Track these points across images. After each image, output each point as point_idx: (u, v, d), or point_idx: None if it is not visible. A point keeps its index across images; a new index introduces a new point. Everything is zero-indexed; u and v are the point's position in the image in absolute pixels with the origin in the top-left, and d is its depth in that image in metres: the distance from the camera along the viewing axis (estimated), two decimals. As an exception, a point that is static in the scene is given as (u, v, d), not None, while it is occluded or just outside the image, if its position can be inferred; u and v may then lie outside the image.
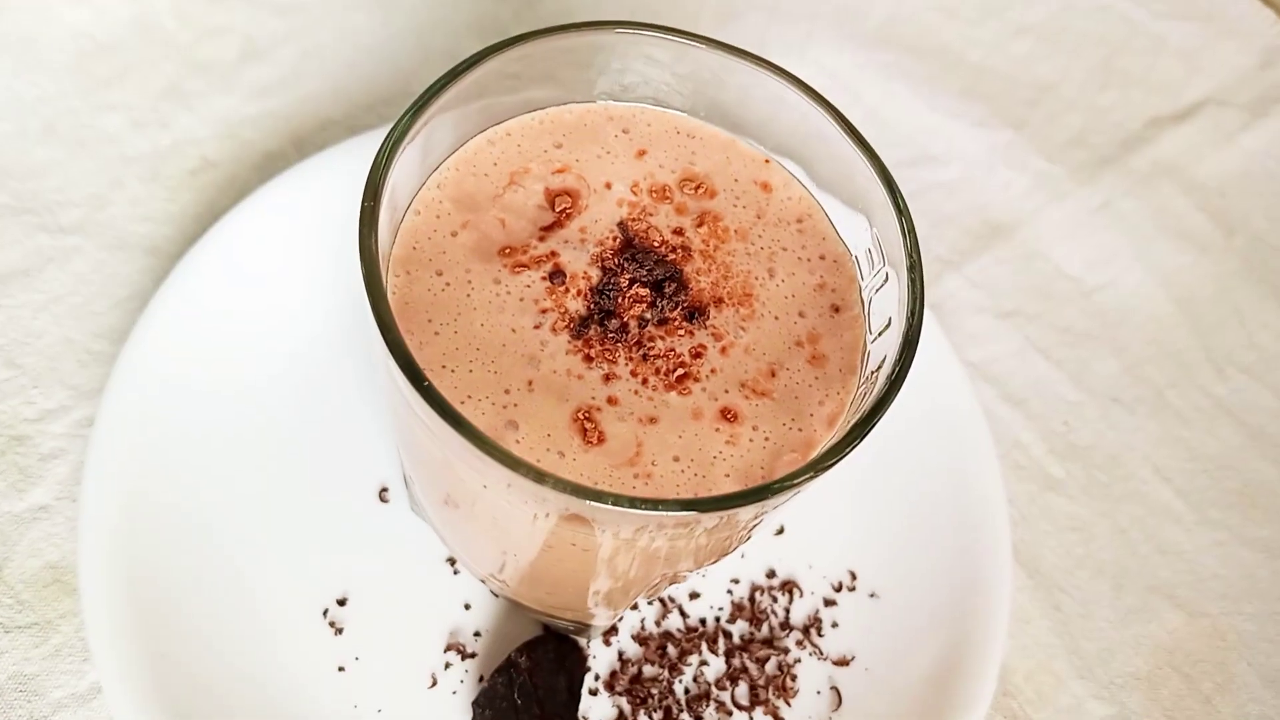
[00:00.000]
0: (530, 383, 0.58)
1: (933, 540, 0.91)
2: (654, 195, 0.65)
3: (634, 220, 0.64)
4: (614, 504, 0.48)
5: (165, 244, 0.96)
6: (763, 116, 0.66)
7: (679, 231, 0.64)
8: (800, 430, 0.59)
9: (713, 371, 0.60)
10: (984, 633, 0.84)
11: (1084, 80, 1.27)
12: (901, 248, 0.59)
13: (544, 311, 0.60)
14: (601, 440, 0.57)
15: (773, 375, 0.60)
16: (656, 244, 0.63)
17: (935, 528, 0.92)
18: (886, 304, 0.61)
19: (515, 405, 0.57)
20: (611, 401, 0.58)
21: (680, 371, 0.59)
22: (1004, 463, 1.01)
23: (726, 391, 0.60)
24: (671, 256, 0.63)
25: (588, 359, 0.59)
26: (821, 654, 0.86)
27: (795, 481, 0.50)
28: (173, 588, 0.77)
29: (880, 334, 0.60)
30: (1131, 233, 1.17)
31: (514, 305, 0.60)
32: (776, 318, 0.62)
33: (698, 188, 0.66)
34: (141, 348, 0.85)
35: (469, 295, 0.60)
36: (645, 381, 0.59)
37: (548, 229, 0.63)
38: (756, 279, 0.63)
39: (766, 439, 0.59)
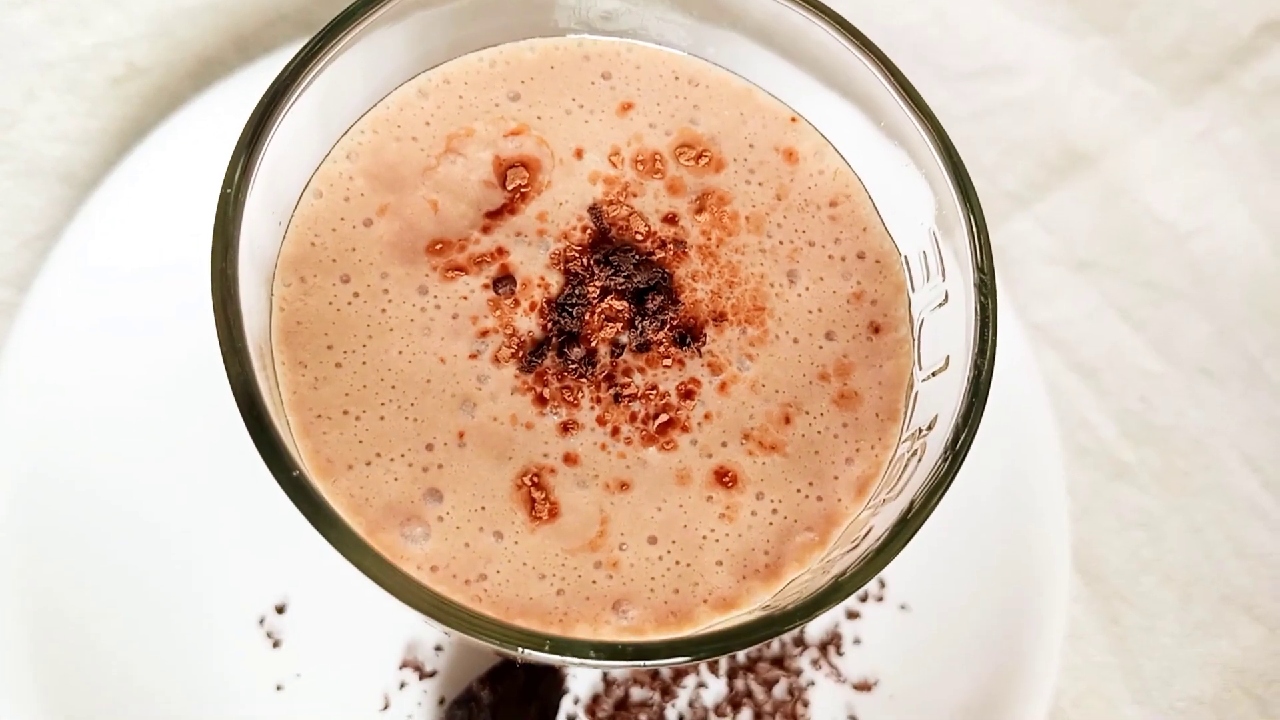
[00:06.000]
0: (461, 435, 0.44)
1: (976, 543, 0.80)
2: (640, 168, 0.49)
3: (611, 204, 0.48)
4: (542, 649, 0.34)
5: (83, 169, 0.83)
6: (790, 59, 0.49)
7: (671, 219, 0.49)
8: (820, 499, 0.45)
9: (707, 417, 0.46)
10: (1033, 655, 0.74)
11: (1191, -26, 1.06)
12: (969, 256, 0.44)
13: (484, 334, 0.45)
14: (554, 514, 0.43)
15: (787, 422, 0.46)
16: (640, 237, 0.48)
17: (980, 527, 0.80)
18: (944, 332, 0.45)
19: (440, 466, 0.43)
20: (570, 460, 0.44)
21: (664, 418, 0.45)
22: (1067, 446, 0.89)
23: (724, 445, 0.45)
24: (659, 255, 0.48)
25: (540, 400, 0.45)
26: (840, 676, 0.77)
27: (805, 616, 0.36)
28: (77, 594, 0.68)
29: (934, 374, 0.45)
30: (1236, 167, 1.00)
31: (444, 324, 0.45)
32: (796, 340, 0.47)
33: (699, 156, 0.50)
34: (45, 300, 0.74)
35: (384, 310, 0.45)
36: (616, 432, 0.45)
37: (495, 214, 0.48)
38: (772, 286, 0.48)
39: (774, 510, 0.45)
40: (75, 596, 0.68)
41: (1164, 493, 0.89)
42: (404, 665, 0.72)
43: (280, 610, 0.72)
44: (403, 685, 0.72)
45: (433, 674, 0.72)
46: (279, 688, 0.71)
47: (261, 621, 0.72)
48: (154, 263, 0.75)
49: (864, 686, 0.76)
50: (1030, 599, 0.76)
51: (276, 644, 0.72)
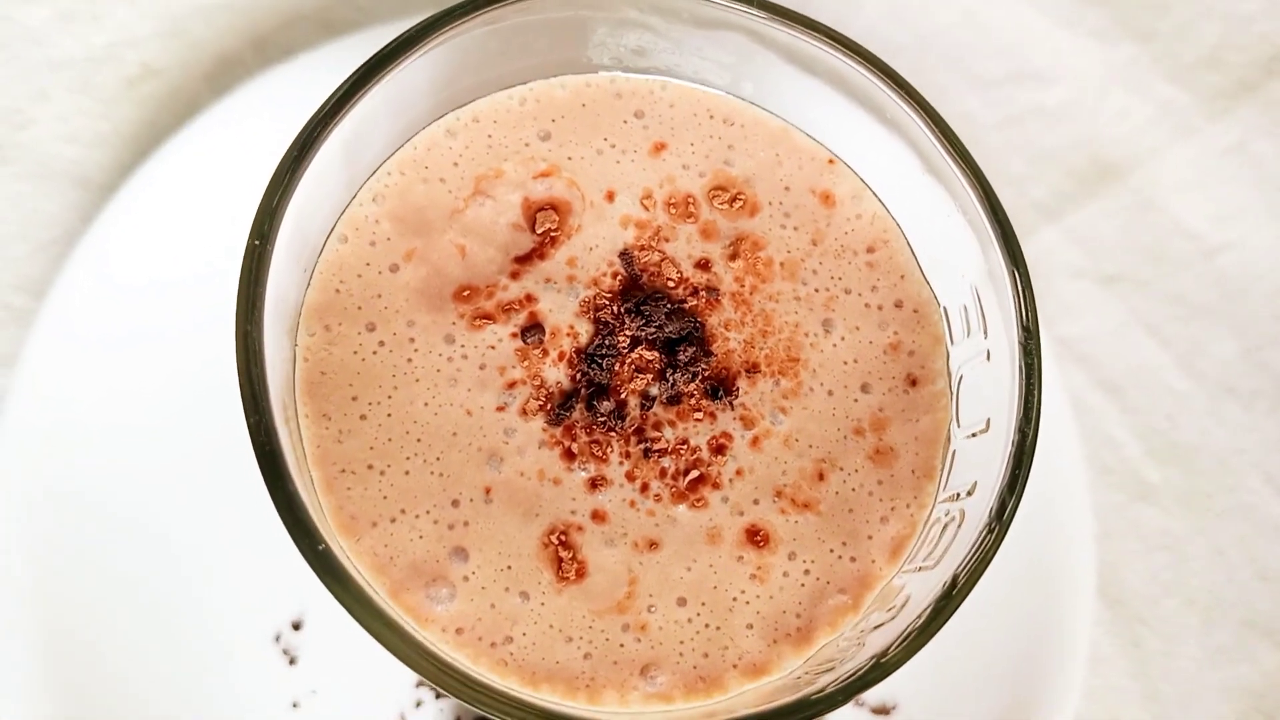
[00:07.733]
0: (488, 490, 0.43)
1: (998, 565, 0.76)
2: (672, 211, 0.48)
3: (643, 249, 0.47)
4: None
5: (97, 173, 0.81)
6: (829, 99, 0.47)
7: (704, 265, 0.47)
8: (853, 560, 0.44)
9: (739, 473, 0.45)
10: (1054, 679, 0.73)
11: (1230, -23, 1.03)
12: (1013, 313, 0.42)
13: (512, 385, 0.44)
14: (581, 574, 0.42)
15: (820, 479, 0.45)
16: (672, 284, 0.46)
17: (1002, 549, 0.77)
18: (985, 391, 0.44)
19: (465, 524, 0.42)
20: (598, 518, 0.43)
21: (694, 474, 0.44)
22: (1091, 465, 0.86)
23: (756, 503, 0.44)
24: (691, 303, 0.46)
25: (568, 455, 0.44)
26: (858, 700, 0.75)
27: (846, 698, 0.35)
28: (89, 610, 0.68)
29: (974, 435, 0.44)
30: (1267, 182, 0.98)
31: (471, 375, 0.44)
32: (831, 392, 0.46)
33: (734, 200, 0.48)
34: (63, 308, 0.72)
35: (410, 360, 0.44)
36: (645, 488, 0.44)
37: (524, 259, 0.46)
38: (807, 336, 0.47)
39: (806, 571, 0.44)
40: (87, 612, 0.67)
41: (1187, 514, 0.88)
42: (420, 683, 0.72)
43: (296, 627, 0.72)
44: (419, 704, 0.71)
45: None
46: (295, 705, 0.70)
47: (278, 638, 0.71)
48: (172, 271, 0.73)
49: (882, 711, 0.75)
50: (1051, 622, 0.75)
51: (292, 661, 0.71)
